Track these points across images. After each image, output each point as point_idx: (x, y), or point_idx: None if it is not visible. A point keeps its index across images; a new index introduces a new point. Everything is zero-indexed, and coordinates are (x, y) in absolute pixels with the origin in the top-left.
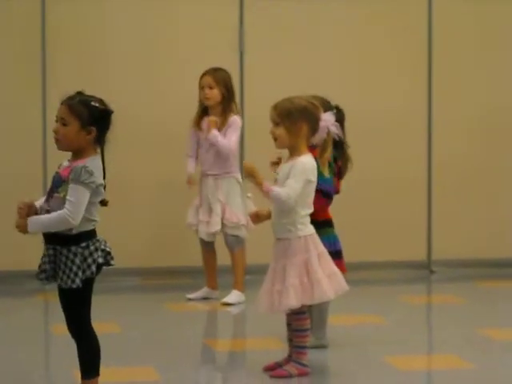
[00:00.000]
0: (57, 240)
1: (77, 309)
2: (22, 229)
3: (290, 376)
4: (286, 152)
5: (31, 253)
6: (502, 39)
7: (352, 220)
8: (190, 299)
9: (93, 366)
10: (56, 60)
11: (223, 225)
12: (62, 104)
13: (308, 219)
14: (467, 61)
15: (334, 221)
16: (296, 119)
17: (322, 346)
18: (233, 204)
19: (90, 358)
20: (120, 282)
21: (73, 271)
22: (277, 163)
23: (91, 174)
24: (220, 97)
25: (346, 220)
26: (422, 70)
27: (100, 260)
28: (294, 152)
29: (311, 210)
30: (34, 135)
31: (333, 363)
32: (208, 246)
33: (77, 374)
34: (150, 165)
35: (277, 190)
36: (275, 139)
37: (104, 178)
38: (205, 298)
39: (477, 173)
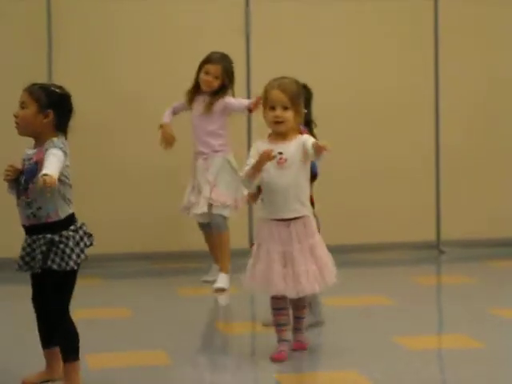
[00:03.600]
0: (46, 229)
1: (63, 292)
2: (52, 181)
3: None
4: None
5: None
6: (507, 24)
7: (361, 202)
8: (205, 281)
9: (72, 350)
10: (62, 53)
11: (210, 205)
12: (23, 90)
13: None
14: (474, 44)
15: (344, 203)
16: (301, 102)
17: (319, 323)
18: (221, 184)
19: (68, 342)
20: (130, 267)
21: (66, 254)
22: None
23: (63, 143)
24: (218, 86)
25: (355, 202)
26: (429, 53)
27: (88, 243)
28: (289, 132)
29: None
30: None
31: (342, 344)
32: (204, 227)
33: (87, 358)
34: (158, 151)
35: None
36: (281, 122)
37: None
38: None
39: (485, 153)
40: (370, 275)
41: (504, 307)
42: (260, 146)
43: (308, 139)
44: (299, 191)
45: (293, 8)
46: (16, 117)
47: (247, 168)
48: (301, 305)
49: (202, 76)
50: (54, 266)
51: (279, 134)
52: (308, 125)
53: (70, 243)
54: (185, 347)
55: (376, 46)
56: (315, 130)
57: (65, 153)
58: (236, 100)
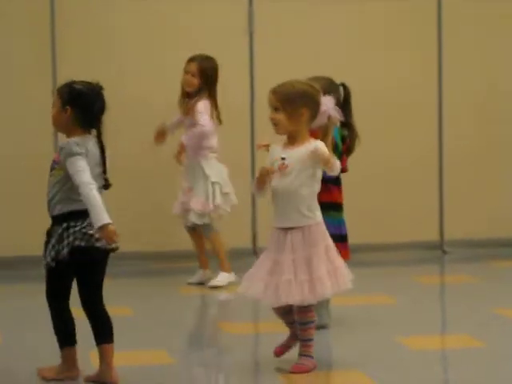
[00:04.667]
0: (53, 221)
1: (49, 285)
2: (112, 233)
3: (310, 370)
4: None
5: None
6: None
7: (364, 201)
8: (190, 283)
9: (57, 337)
10: (65, 54)
11: (190, 212)
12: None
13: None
14: (477, 41)
15: (347, 203)
16: (297, 104)
17: (324, 325)
18: (197, 190)
19: (54, 329)
20: (132, 266)
21: (48, 249)
22: (266, 146)
23: (78, 144)
24: (198, 85)
25: (358, 202)
26: (433, 51)
27: (77, 243)
28: (296, 138)
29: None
30: (44, 126)
31: (345, 344)
32: (188, 230)
33: (93, 355)
34: (158, 149)
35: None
36: (275, 125)
37: (104, 160)
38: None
39: (488, 153)
40: (373, 275)
41: (507, 307)
42: (272, 151)
43: (316, 148)
44: (298, 200)
45: (296, 7)
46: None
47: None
48: (299, 320)
49: (183, 76)
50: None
51: (289, 138)
52: (345, 126)
53: (53, 240)
54: (186, 346)
55: (380, 45)
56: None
57: (80, 154)
58: (201, 115)
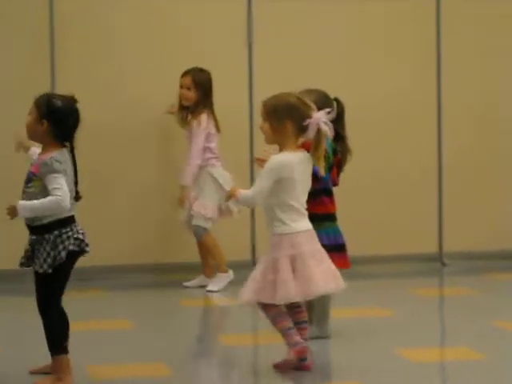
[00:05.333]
0: (33, 230)
1: (44, 292)
2: (12, 214)
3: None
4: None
5: None
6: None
7: (363, 213)
8: (186, 287)
9: (54, 344)
10: (65, 55)
11: (190, 216)
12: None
13: (290, 217)
14: (476, 48)
15: (345, 214)
16: (280, 117)
17: (324, 337)
18: (204, 196)
19: (51, 336)
20: (132, 279)
21: (43, 257)
22: (262, 160)
23: (60, 162)
24: (195, 98)
25: (357, 213)
26: (431, 60)
27: (71, 247)
28: (281, 149)
29: (296, 207)
30: None
31: (344, 356)
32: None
33: (91, 368)
34: (162, 159)
35: (244, 192)
36: (264, 134)
37: (76, 173)
38: (201, 286)
39: (488, 164)
40: (371, 287)
41: (506, 320)
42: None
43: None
44: (266, 210)
45: (295, 15)
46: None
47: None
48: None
49: (179, 91)
50: (36, 267)
51: (279, 149)
52: (338, 140)
53: (48, 247)
54: (186, 359)
55: (379, 51)
56: (348, 142)
57: (61, 172)
58: (198, 131)
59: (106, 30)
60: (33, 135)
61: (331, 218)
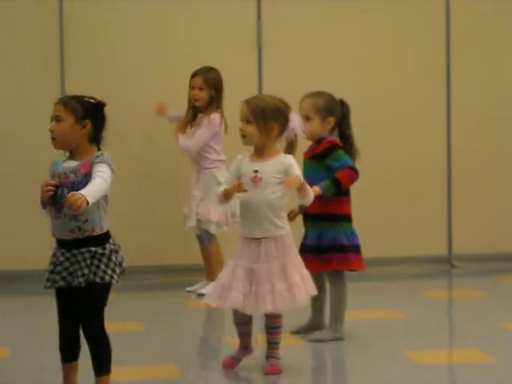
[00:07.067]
0: (91, 243)
1: (102, 305)
2: (83, 203)
3: (281, 370)
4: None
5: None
6: None
7: (372, 215)
8: (189, 291)
9: (107, 362)
10: (74, 58)
11: (198, 220)
12: (56, 104)
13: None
14: (486, 52)
15: (354, 217)
16: (269, 119)
17: (339, 339)
18: (208, 199)
19: (106, 354)
20: (142, 281)
21: (110, 267)
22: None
23: (111, 158)
24: (208, 98)
25: (366, 215)
26: (441, 62)
27: (123, 263)
28: (263, 151)
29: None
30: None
31: (353, 358)
32: (198, 239)
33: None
34: (168, 160)
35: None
36: (243, 136)
37: None
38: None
39: (497, 166)
40: (381, 289)
41: None
42: (239, 162)
43: (292, 166)
44: (272, 212)
45: (304, 18)
46: (52, 131)
47: (221, 190)
48: (270, 324)
49: (189, 92)
50: (97, 280)
51: (256, 150)
52: (344, 140)
53: (113, 256)
54: (195, 361)
55: (388, 55)
56: (356, 143)
57: (113, 170)
58: (208, 126)
59: (117, 33)
60: (70, 141)
61: (348, 218)
